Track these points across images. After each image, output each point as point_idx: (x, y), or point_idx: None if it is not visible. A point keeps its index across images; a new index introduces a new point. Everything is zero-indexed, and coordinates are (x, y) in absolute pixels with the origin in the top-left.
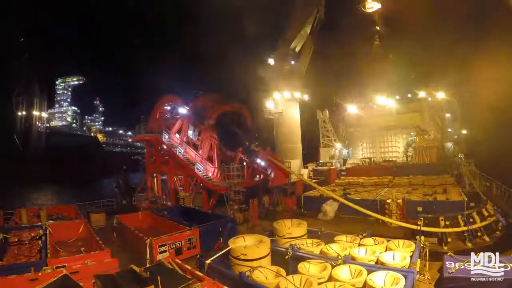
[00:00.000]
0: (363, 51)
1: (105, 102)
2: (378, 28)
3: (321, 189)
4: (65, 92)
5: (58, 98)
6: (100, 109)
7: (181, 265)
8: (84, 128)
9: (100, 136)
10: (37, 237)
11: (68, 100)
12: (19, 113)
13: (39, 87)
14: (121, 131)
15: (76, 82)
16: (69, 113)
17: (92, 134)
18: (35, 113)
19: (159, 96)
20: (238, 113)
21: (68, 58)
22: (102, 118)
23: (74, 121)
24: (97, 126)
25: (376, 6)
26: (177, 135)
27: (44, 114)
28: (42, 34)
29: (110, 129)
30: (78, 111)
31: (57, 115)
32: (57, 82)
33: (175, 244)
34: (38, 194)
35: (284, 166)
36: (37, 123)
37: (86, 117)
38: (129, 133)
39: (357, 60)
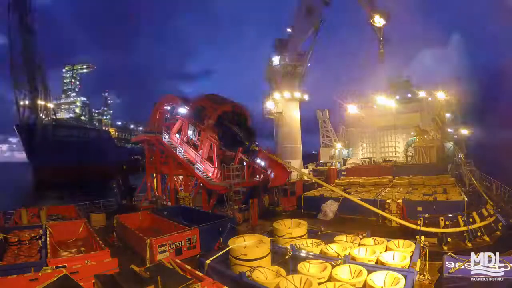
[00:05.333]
0: (363, 51)
1: (114, 95)
2: (381, 38)
3: (329, 186)
4: (73, 81)
5: (65, 88)
6: (109, 102)
7: (181, 265)
8: (94, 122)
9: (112, 131)
10: (37, 237)
11: (76, 89)
12: (21, 103)
13: (45, 75)
14: (132, 126)
15: (85, 70)
16: (77, 103)
17: (103, 127)
18: (40, 102)
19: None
20: (238, 113)
21: (76, 43)
22: (111, 111)
23: (83, 113)
24: (106, 120)
25: (382, 22)
26: (177, 135)
27: (50, 105)
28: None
29: (120, 123)
30: (87, 102)
31: (63, 106)
32: (64, 70)
33: (175, 244)
34: (41, 196)
35: (285, 163)
36: (42, 114)
37: (93, 110)
38: (141, 128)
39: (357, 60)
